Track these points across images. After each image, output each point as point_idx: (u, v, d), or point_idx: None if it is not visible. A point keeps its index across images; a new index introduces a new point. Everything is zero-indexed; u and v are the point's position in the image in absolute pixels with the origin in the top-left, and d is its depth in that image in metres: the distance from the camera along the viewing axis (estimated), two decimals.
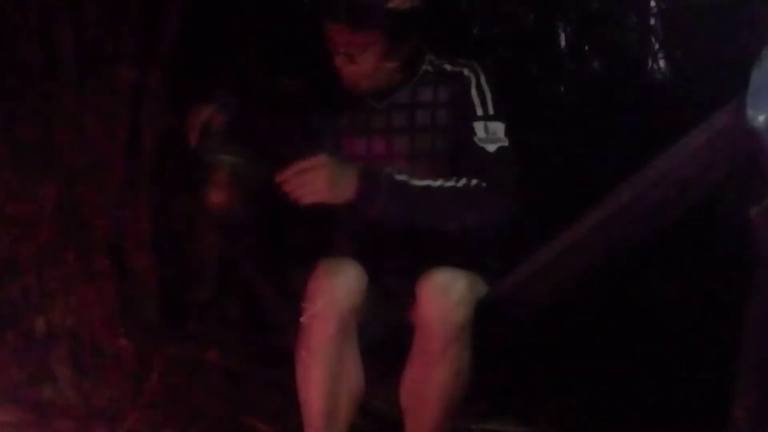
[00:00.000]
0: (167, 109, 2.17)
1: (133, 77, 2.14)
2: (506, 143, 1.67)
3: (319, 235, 1.86)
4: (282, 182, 1.55)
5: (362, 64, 1.68)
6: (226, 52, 2.17)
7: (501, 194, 1.63)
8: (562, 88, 3.03)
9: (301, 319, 1.59)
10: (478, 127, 1.67)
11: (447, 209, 1.63)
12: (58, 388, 2.10)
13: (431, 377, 1.58)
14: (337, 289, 1.58)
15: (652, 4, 2.91)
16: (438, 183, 1.62)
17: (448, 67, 1.75)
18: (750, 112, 1.27)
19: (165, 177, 2.22)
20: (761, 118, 1.26)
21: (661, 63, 2.93)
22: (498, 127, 1.68)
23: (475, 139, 1.66)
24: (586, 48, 3.00)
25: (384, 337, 1.69)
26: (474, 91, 1.70)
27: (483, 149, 1.66)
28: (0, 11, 2.11)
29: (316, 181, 1.55)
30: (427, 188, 1.62)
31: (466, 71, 1.73)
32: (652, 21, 2.93)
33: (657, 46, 2.94)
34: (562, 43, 2.99)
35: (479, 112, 1.69)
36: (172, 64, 2.16)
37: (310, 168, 1.56)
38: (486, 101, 1.70)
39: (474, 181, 1.62)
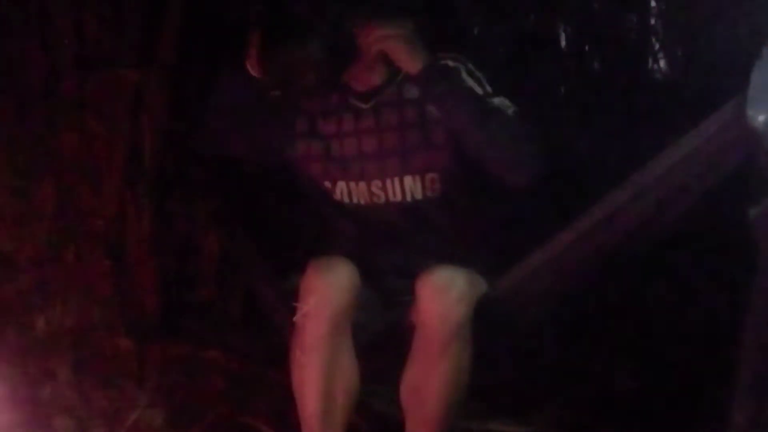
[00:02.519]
0: (167, 109, 2.17)
1: (134, 78, 2.14)
2: (517, 109, 1.66)
3: (315, 235, 1.86)
4: (367, 28, 1.64)
5: None
6: (226, 52, 2.17)
7: (532, 141, 1.64)
8: (562, 88, 3.03)
9: (294, 319, 1.59)
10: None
11: (493, 124, 1.62)
12: (58, 388, 2.09)
13: (431, 376, 1.58)
14: (328, 288, 1.59)
15: (652, 4, 2.90)
16: (495, 103, 1.65)
17: None
18: (750, 112, 1.27)
19: (165, 177, 2.22)
20: (761, 118, 1.26)
21: (661, 63, 2.93)
22: (503, 100, 1.67)
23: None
24: (586, 48, 2.99)
25: (384, 337, 1.69)
26: (467, 78, 1.69)
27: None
28: (0, 12, 2.11)
29: (398, 38, 1.64)
30: (484, 100, 1.65)
31: (451, 62, 1.70)
32: (652, 21, 2.93)
33: (657, 46, 2.93)
34: (562, 42, 2.98)
35: (480, 92, 1.68)
36: (172, 65, 2.16)
37: (399, 27, 1.65)
38: (482, 83, 1.70)
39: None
